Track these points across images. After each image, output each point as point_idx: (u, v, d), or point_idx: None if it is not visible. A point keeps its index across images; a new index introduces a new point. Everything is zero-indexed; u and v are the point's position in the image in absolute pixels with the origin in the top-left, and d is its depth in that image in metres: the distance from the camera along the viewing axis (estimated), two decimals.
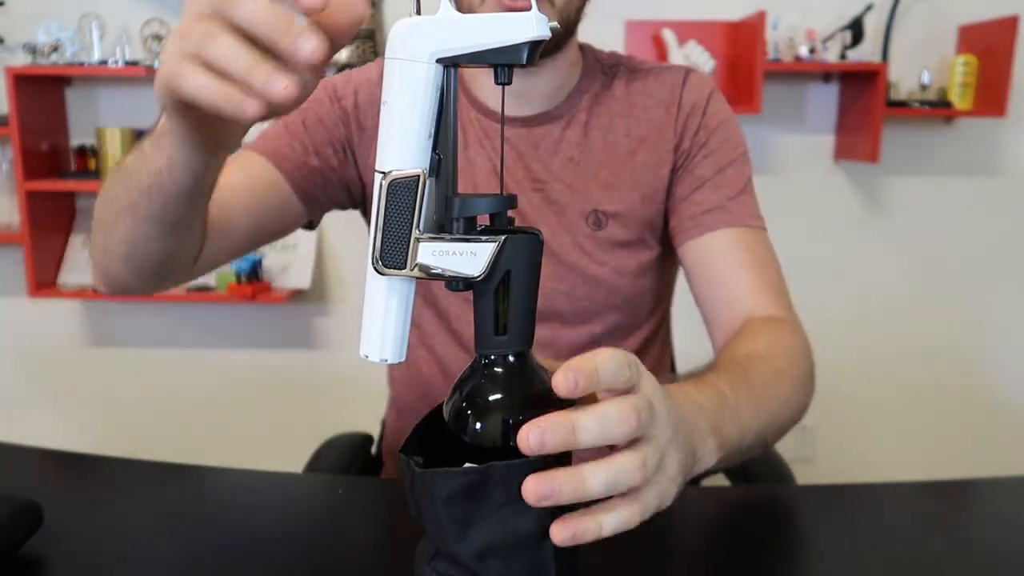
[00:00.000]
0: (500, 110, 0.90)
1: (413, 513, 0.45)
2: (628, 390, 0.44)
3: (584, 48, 0.94)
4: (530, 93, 0.89)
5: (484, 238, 0.42)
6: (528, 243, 0.43)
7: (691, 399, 0.55)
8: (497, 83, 0.43)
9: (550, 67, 0.87)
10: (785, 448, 0.96)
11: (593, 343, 0.91)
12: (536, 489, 0.41)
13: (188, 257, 0.74)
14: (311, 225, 0.95)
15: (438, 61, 0.41)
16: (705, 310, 0.87)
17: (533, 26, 0.41)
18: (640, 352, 0.95)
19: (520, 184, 0.89)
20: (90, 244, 0.75)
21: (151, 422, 2.31)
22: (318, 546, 0.61)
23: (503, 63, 0.42)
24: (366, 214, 0.96)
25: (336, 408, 2.21)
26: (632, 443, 0.44)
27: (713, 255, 0.86)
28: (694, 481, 0.61)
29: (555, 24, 0.43)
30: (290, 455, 1.17)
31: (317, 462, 1.03)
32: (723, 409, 0.58)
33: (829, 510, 0.71)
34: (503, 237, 0.42)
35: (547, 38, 0.42)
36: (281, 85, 0.40)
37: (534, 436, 0.40)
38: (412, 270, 0.43)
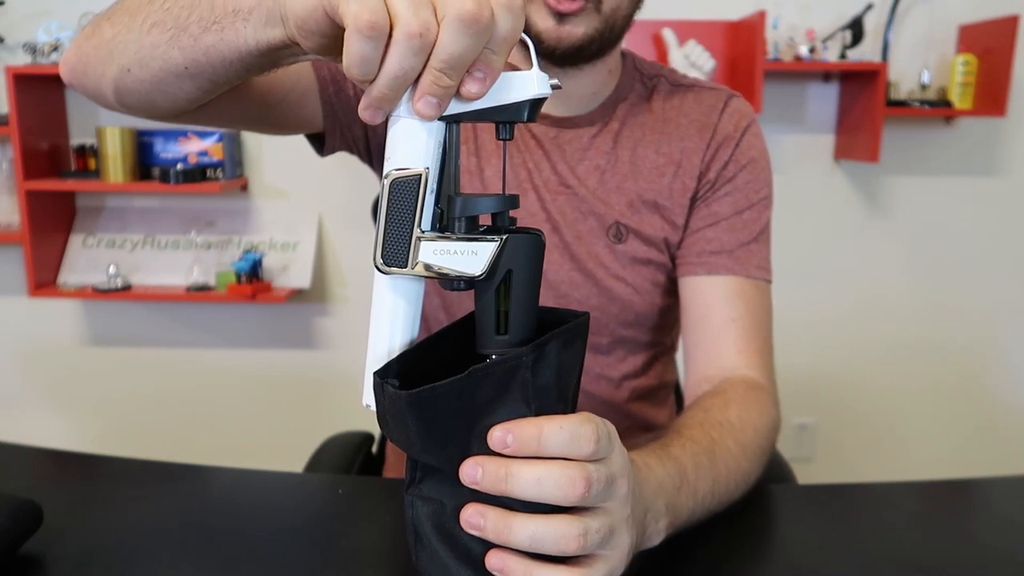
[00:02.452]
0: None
1: (392, 436, 0.45)
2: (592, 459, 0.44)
3: (625, 55, 0.92)
4: (564, 95, 0.87)
5: (485, 237, 0.43)
6: (529, 242, 0.43)
7: (653, 475, 0.55)
8: (499, 139, 0.44)
9: (588, 71, 0.85)
10: (785, 448, 0.96)
11: (595, 352, 0.90)
12: (467, 517, 0.43)
13: (188, 101, 0.64)
14: (322, 146, 0.89)
15: (440, 118, 0.42)
16: (687, 350, 0.86)
17: (534, 85, 0.42)
18: (642, 372, 0.94)
19: (547, 183, 0.87)
20: (91, 26, 0.65)
21: (151, 422, 2.31)
22: (318, 546, 0.61)
23: (505, 120, 0.43)
24: (371, 164, 0.93)
25: (336, 408, 2.21)
26: (581, 509, 0.44)
27: (708, 300, 0.84)
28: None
29: (556, 82, 0.44)
30: (290, 455, 1.17)
31: (317, 462, 1.03)
32: (681, 488, 0.58)
33: (829, 510, 0.71)
34: (504, 236, 0.42)
35: (548, 96, 0.43)
36: (429, 107, 0.40)
37: (469, 470, 0.42)
38: (413, 268, 0.43)
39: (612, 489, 0.45)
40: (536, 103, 0.43)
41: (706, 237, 0.86)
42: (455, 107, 0.42)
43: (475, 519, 0.43)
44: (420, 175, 0.42)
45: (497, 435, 0.42)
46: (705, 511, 0.63)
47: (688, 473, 0.60)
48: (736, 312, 0.83)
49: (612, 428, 0.45)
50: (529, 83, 0.42)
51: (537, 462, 0.42)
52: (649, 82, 0.91)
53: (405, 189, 0.42)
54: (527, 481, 0.42)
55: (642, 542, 0.53)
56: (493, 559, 0.43)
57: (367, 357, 0.47)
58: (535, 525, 0.42)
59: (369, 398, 0.47)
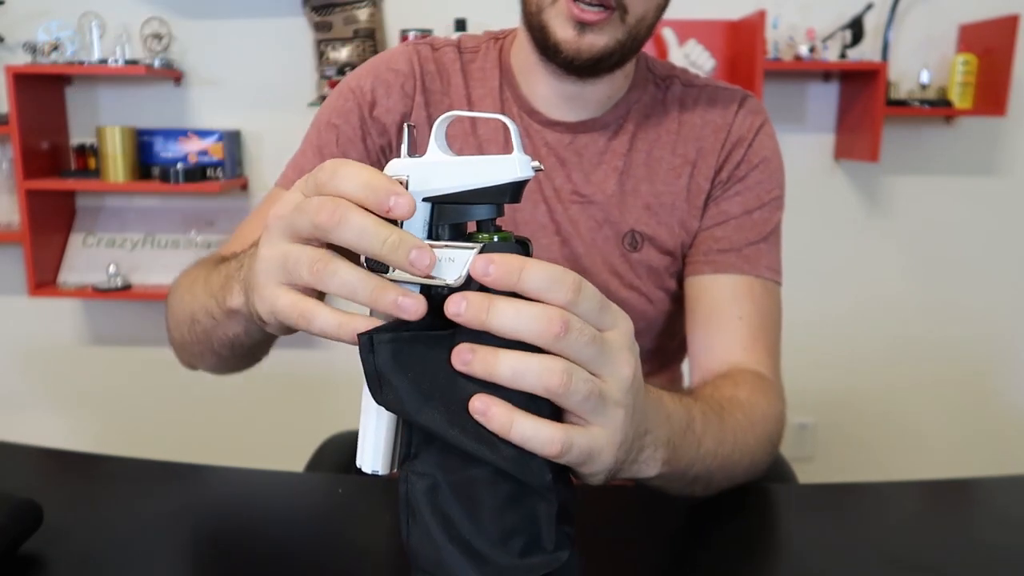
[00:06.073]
0: (547, 113, 0.86)
1: (386, 400, 0.44)
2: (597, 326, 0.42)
3: (637, 55, 0.89)
4: (579, 99, 0.85)
5: (463, 244, 0.42)
6: (507, 250, 0.43)
7: (664, 407, 0.54)
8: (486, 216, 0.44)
9: (607, 79, 0.83)
10: (785, 448, 0.96)
11: None
12: (458, 352, 0.41)
13: (260, 359, 0.78)
14: None
15: (425, 200, 0.43)
16: (692, 348, 0.85)
17: (516, 169, 0.42)
18: (647, 378, 0.92)
19: (559, 193, 0.85)
20: (168, 325, 0.79)
21: (151, 422, 2.31)
22: (318, 546, 0.61)
23: (488, 202, 0.44)
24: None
25: (336, 407, 2.21)
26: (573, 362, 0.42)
27: (716, 299, 0.83)
28: (619, 485, 0.58)
29: (537, 164, 0.44)
30: (290, 455, 1.17)
31: (317, 462, 1.03)
32: (687, 432, 0.57)
33: (829, 510, 0.71)
34: (481, 243, 0.42)
35: (531, 178, 0.43)
36: (413, 305, 0.41)
37: (454, 303, 0.40)
38: (393, 272, 0.43)
39: (602, 350, 0.43)
40: (519, 184, 0.43)
41: (715, 236, 0.86)
42: (437, 187, 0.43)
43: (465, 354, 0.41)
44: (402, 183, 0.42)
45: (480, 264, 0.40)
46: (704, 470, 0.61)
47: (696, 423, 0.59)
48: (743, 311, 0.82)
49: (606, 300, 0.43)
50: (510, 167, 0.42)
51: (520, 300, 0.41)
52: (662, 83, 0.90)
53: None
54: (506, 313, 0.40)
55: (633, 464, 0.50)
56: (477, 402, 0.41)
57: (363, 407, 0.46)
58: (516, 357, 0.40)
59: (362, 460, 0.46)
